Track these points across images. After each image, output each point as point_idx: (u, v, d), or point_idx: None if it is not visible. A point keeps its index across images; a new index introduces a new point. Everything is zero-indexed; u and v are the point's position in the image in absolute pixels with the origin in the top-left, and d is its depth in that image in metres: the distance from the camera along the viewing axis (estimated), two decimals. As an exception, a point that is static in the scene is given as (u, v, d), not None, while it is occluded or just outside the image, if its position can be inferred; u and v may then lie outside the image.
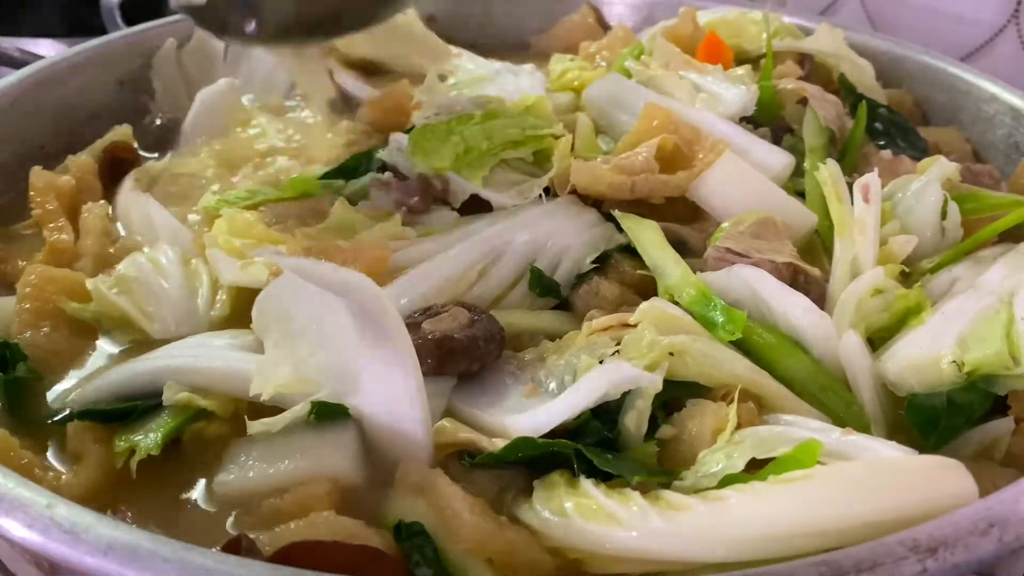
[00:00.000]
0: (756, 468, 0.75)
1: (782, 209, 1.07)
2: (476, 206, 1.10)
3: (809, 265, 0.99)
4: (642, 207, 1.08)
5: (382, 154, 1.20)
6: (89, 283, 1.02)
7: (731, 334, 0.88)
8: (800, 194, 1.13)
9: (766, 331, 0.91)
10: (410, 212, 1.09)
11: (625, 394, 0.81)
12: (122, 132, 1.35)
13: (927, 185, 1.08)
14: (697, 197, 1.08)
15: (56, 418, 0.91)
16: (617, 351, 0.84)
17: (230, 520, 0.80)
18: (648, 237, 1.02)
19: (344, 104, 1.44)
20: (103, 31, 1.68)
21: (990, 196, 1.12)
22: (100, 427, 0.87)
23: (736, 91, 1.24)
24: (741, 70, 1.32)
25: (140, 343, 1.00)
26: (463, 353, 0.87)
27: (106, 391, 0.91)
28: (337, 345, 0.81)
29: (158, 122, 1.43)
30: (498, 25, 1.82)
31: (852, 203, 1.04)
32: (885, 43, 1.55)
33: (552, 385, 0.86)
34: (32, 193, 1.19)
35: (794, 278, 0.97)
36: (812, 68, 1.47)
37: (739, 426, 0.80)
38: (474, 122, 1.12)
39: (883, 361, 0.89)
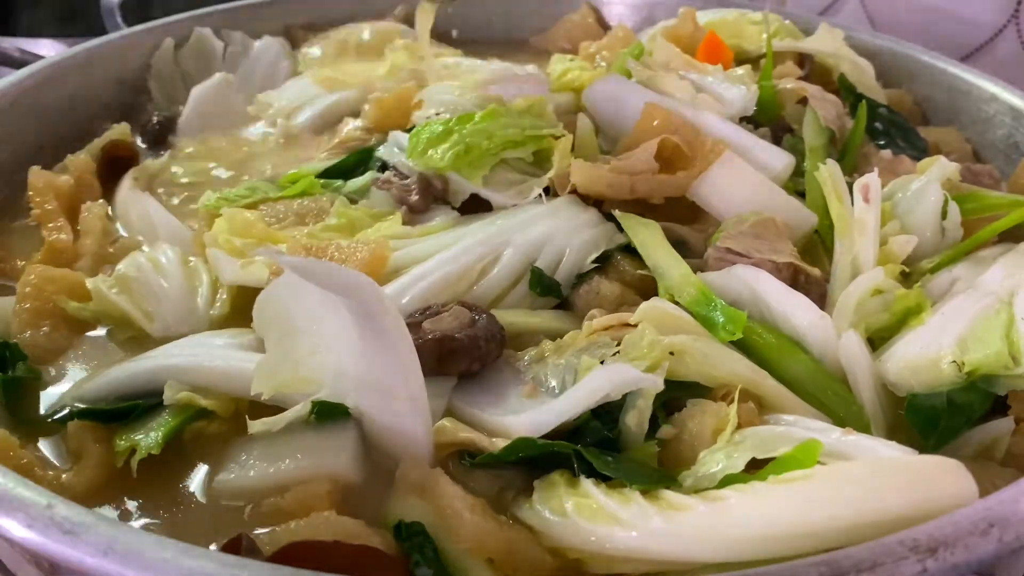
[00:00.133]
0: (756, 468, 0.75)
1: (782, 209, 1.07)
2: (476, 205, 1.10)
3: (809, 265, 0.99)
4: (642, 207, 1.08)
5: (381, 152, 1.21)
6: (89, 283, 1.03)
7: (731, 334, 0.88)
8: (800, 194, 1.13)
9: (766, 331, 0.91)
10: (410, 211, 1.09)
11: (626, 394, 0.82)
12: (120, 130, 1.35)
13: (927, 185, 1.08)
14: (697, 197, 1.08)
15: (56, 417, 0.91)
16: (617, 351, 0.84)
17: (232, 517, 0.80)
18: (648, 237, 1.02)
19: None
20: (103, 31, 1.68)
21: (990, 196, 1.12)
22: (100, 426, 0.87)
23: (736, 91, 1.24)
24: (741, 70, 1.32)
25: (140, 340, 1.00)
26: (464, 353, 0.87)
27: (106, 390, 0.91)
28: (338, 345, 0.81)
29: (155, 120, 1.43)
30: (498, 24, 1.82)
31: (852, 203, 1.04)
32: (885, 43, 1.55)
33: (552, 385, 0.86)
34: (31, 193, 1.19)
35: (794, 278, 0.97)
36: (812, 68, 1.48)
37: (739, 426, 0.80)
38: (474, 122, 1.12)
39: (883, 361, 0.89)
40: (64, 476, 0.83)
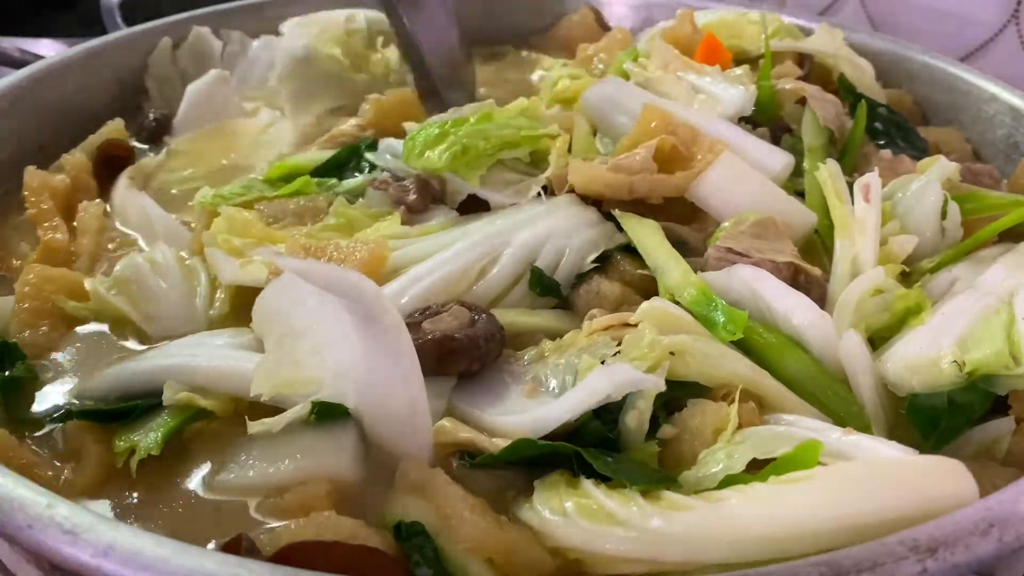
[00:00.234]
0: (757, 468, 0.75)
1: (781, 208, 1.06)
2: (474, 206, 1.10)
3: (809, 265, 0.99)
4: (641, 207, 1.08)
5: (372, 158, 1.21)
6: (87, 283, 1.03)
7: (732, 334, 0.88)
8: (799, 194, 1.13)
9: (767, 331, 0.91)
10: (408, 211, 1.09)
11: (626, 394, 0.81)
12: (114, 127, 1.35)
13: (927, 185, 1.08)
14: (696, 197, 1.08)
15: (55, 417, 0.91)
16: (618, 351, 0.84)
17: (232, 517, 0.80)
18: (648, 236, 1.02)
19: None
20: (103, 31, 1.68)
21: (990, 196, 1.12)
22: (99, 427, 0.87)
23: (734, 91, 1.24)
24: (739, 70, 1.32)
25: (139, 340, 1.00)
26: (463, 353, 0.87)
27: (105, 390, 0.91)
28: (337, 345, 0.81)
29: (152, 117, 1.43)
30: (498, 24, 1.82)
31: (852, 203, 1.04)
32: (885, 43, 1.55)
33: (552, 385, 0.86)
34: (26, 192, 1.19)
35: (795, 278, 0.97)
36: (811, 68, 1.48)
37: (740, 426, 0.80)
38: (470, 124, 1.12)
39: (883, 361, 0.89)
40: (64, 476, 0.83)
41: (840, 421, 0.84)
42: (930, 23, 1.74)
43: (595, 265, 1.02)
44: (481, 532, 0.72)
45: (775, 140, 1.23)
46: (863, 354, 0.88)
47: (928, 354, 0.87)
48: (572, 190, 1.09)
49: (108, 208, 1.23)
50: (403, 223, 1.06)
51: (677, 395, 0.84)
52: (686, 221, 1.09)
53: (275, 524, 0.77)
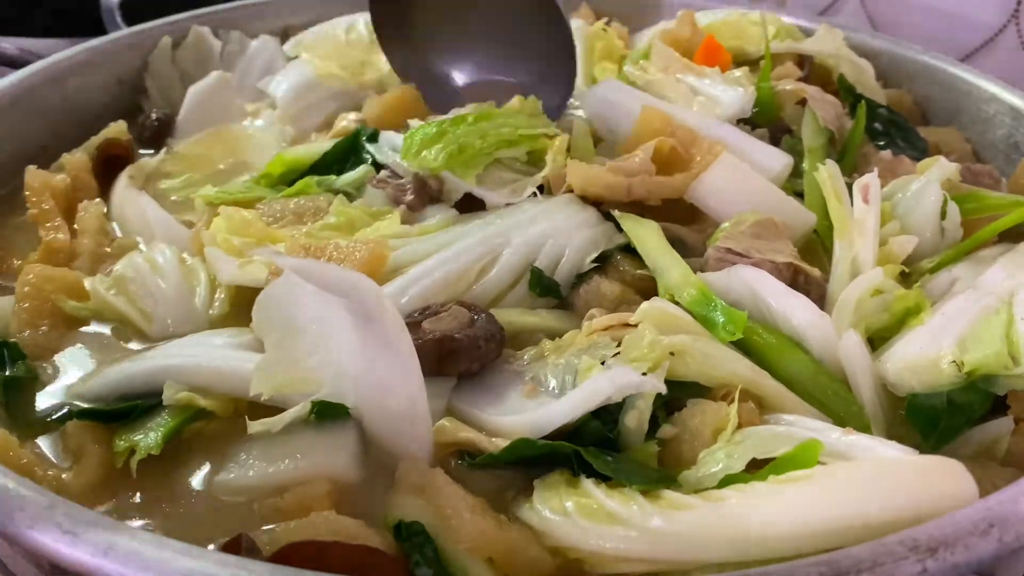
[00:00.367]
0: (756, 468, 0.75)
1: (780, 209, 1.07)
2: (472, 204, 1.09)
3: (809, 266, 0.99)
4: (640, 207, 1.08)
5: (372, 149, 1.21)
6: (87, 284, 1.03)
7: (732, 334, 0.88)
8: (798, 195, 1.13)
9: (766, 331, 0.91)
10: (407, 209, 1.09)
11: (626, 395, 0.81)
12: (116, 128, 1.35)
13: (927, 185, 1.08)
14: (695, 199, 1.08)
15: (55, 417, 0.91)
16: (618, 351, 0.84)
17: (232, 517, 0.80)
18: (647, 236, 1.02)
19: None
20: (103, 31, 1.68)
21: (990, 196, 1.12)
22: (100, 427, 0.87)
23: (734, 93, 1.24)
24: (739, 72, 1.32)
25: (139, 339, 1.00)
26: (464, 353, 0.87)
27: (105, 390, 0.91)
28: (337, 345, 0.81)
29: (153, 118, 1.43)
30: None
31: (852, 203, 1.04)
32: (885, 43, 1.55)
33: (552, 385, 0.86)
34: (27, 193, 1.19)
35: (794, 278, 0.97)
36: (812, 69, 1.48)
37: (739, 426, 0.80)
38: (467, 122, 1.12)
39: (883, 361, 0.89)
40: (64, 476, 0.83)
41: (840, 421, 0.84)
42: (930, 23, 1.73)
43: (595, 265, 1.02)
44: (481, 532, 0.72)
45: (775, 141, 1.23)
46: (863, 354, 0.88)
47: (928, 354, 0.87)
48: (570, 190, 1.09)
49: (107, 208, 1.23)
50: (403, 222, 1.06)
51: (677, 395, 0.84)
52: (685, 221, 1.09)
53: (275, 524, 0.76)
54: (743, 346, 0.90)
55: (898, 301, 0.94)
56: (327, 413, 0.82)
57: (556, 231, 1.04)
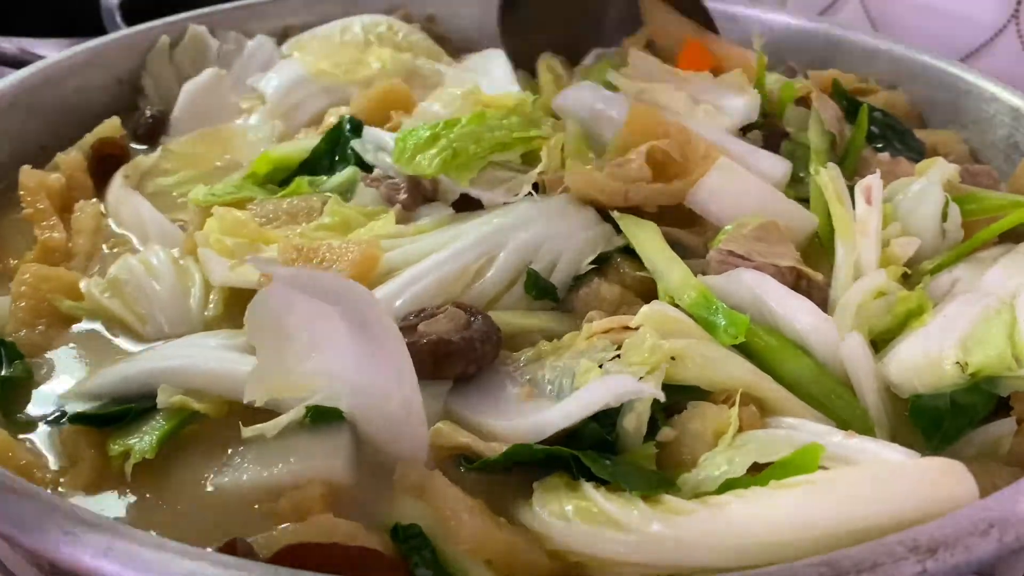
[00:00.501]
0: (758, 471, 0.75)
1: (781, 212, 1.06)
2: (468, 203, 1.08)
3: (811, 269, 0.98)
4: (639, 209, 1.07)
5: (356, 145, 1.20)
6: (82, 285, 1.03)
7: (733, 337, 0.88)
8: (798, 199, 1.12)
9: (768, 334, 0.90)
10: (401, 209, 1.08)
11: (624, 398, 0.81)
12: (111, 125, 1.35)
13: (928, 187, 1.07)
14: (694, 204, 1.07)
15: (50, 418, 0.90)
16: (617, 355, 0.84)
17: (228, 520, 0.80)
18: (647, 239, 1.01)
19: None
20: (103, 31, 1.67)
21: (990, 197, 1.12)
22: (94, 430, 0.86)
23: (738, 101, 1.22)
24: (732, 75, 1.28)
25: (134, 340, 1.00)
26: (460, 356, 0.86)
27: (100, 393, 0.90)
28: (330, 350, 0.80)
29: (148, 115, 1.43)
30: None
31: (853, 206, 1.04)
32: (885, 43, 1.54)
33: (550, 388, 0.85)
34: (22, 192, 1.18)
35: (797, 282, 0.96)
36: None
37: (741, 429, 0.80)
38: (461, 126, 1.11)
39: (886, 363, 0.89)
40: (61, 478, 0.83)
41: (843, 424, 0.84)
42: (930, 23, 1.73)
43: (593, 267, 1.01)
44: (480, 534, 0.72)
45: (774, 146, 1.22)
46: (865, 356, 0.88)
47: (930, 355, 0.86)
48: (566, 190, 1.08)
49: (103, 207, 1.23)
50: (398, 221, 1.05)
51: (677, 399, 0.83)
52: (684, 225, 1.08)
53: (271, 527, 0.76)
54: (745, 349, 0.89)
55: (900, 303, 0.94)
56: (322, 417, 0.82)
57: (554, 232, 1.02)
